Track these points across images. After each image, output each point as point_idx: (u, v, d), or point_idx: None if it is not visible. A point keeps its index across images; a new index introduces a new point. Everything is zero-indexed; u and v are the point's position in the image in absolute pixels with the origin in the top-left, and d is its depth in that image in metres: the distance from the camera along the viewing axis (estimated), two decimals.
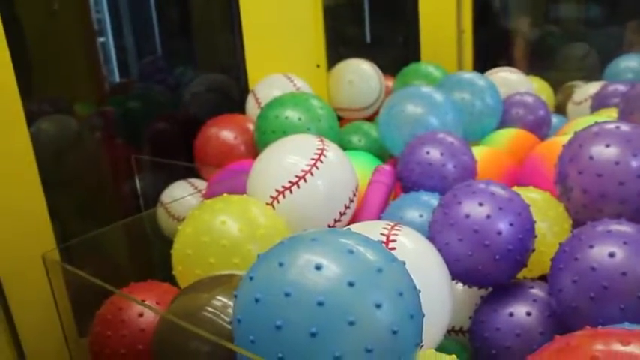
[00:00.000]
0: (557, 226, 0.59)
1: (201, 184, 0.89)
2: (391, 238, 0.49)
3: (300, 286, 0.34)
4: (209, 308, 0.46)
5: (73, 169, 0.94)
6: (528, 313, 0.51)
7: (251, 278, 0.36)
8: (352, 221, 0.69)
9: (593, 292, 0.45)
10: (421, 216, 0.64)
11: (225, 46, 1.08)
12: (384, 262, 0.36)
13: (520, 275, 0.57)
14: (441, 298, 0.49)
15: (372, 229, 0.50)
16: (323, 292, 0.34)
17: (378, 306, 0.34)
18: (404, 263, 0.38)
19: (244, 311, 0.36)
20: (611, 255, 0.45)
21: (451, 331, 0.61)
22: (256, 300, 0.35)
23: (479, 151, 0.78)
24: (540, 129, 0.97)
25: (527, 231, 0.53)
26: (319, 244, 0.36)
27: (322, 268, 0.34)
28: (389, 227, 0.50)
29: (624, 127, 0.58)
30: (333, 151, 0.66)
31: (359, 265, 0.35)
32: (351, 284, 0.34)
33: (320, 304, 0.33)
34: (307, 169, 0.63)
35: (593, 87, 1.08)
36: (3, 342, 0.70)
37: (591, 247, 0.46)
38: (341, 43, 1.50)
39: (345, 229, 0.43)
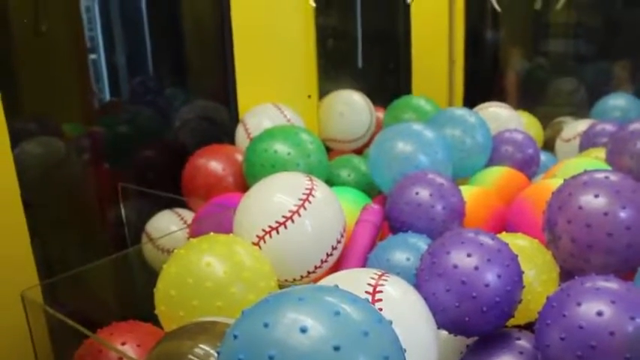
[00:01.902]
0: (545, 275, 0.59)
1: (188, 214, 0.88)
2: (378, 288, 0.48)
3: (285, 350, 0.33)
4: (191, 357, 0.46)
5: (58, 194, 0.92)
6: None
7: (235, 337, 0.36)
8: (339, 261, 0.69)
9: (580, 351, 0.44)
10: (408, 259, 0.64)
11: (216, 74, 1.07)
12: (370, 323, 0.35)
13: (506, 323, 0.57)
14: (426, 351, 0.48)
15: (359, 278, 0.50)
16: (308, 356, 0.33)
17: None
18: (390, 323, 0.37)
19: None
20: (599, 314, 0.44)
21: None
22: None
23: (467, 191, 0.78)
24: (529, 167, 0.97)
25: (515, 282, 0.52)
26: (305, 304, 0.35)
27: (308, 331, 0.34)
28: (376, 277, 0.50)
29: (613, 177, 0.59)
30: (321, 190, 0.66)
31: (345, 328, 0.34)
32: (336, 348, 0.33)
33: None
34: (295, 209, 0.63)
35: (581, 125, 1.09)
36: None
37: (579, 304, 0.45)
38: (332, 67, 1.51)
39: (330, 281, 0.42)
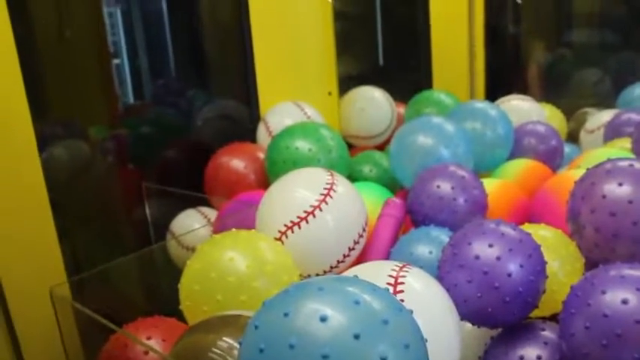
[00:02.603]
0: (569, 265, 0.58)
1: (211, 213, 0.89)
2: (399, 280, 0.48)
3: (305, 338, 0.33)
4: (215, 349, 0.46)
5: (84, 195, 0.94)
6: (539, 357, 0.50)
7: (256, 327, 0.36)
8: (361, 255, 0.69)
9: (605, 340, 0.44)
10: (430, 252, 0.64)
11: (237, 74, 1.08)
12: (390, 313, 0.35)
13: (531, 314, 0.56)
14: (449, 342, 0.48)
15: (381, 270, 0.50)
16: (328, 345, 0.33)
17: (384, 359, 0.33)
18: (411, 312, 0.37)
19: None
20: (625, 302, 0.44)
21: None
22: (260, 350, 0.34)
23: (490, 184, 0.78)
24: (553, 159, 0.96)
25: (538, 272, 0.52)
26: (325, 294, 0.36)
27: (327, 320, 0.34)
28: (397, 268, 0.50)
29: (638, 165, 0.58)
30: (342, 185, 0.66)
31: (365, 316, 0.34)
32: (356, 337, 0.33)
33: (325, 356, 0.33)
34: (316, 204, 0.63)
35: (606, 115, 1.07)
36: None
37: (604, 292, 0.45)
38: (354, 65, 1.51)
39: (352, 274, 0.43)
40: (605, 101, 1.27)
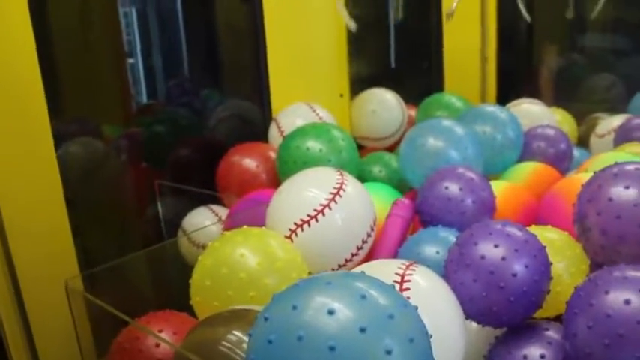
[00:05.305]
0: (574, 267, 0.59)
1: (222, 211, 0.90)
2: (406, 277, 0.49)
3: (313, 330, 0.35)
4: (225, 343, 0.47)
5: (98, 192, 0.96)
6: (542, 356, 0.51)
7: (265, 319, 0.37)
8: (369, 254, 0.70)
9: (607, 340, 0.44)
10: (438, 252, 0.65)
11: (250, 75, 1.10)
12: (395, 307, 0.36)
13: (535, 315, 0.57)
14: (453, 339, 0.49)
15: (387, 267, 0.51)
16: (334, 337, 0.34)
17: (389, 352, 0.34)
18: (416, 308, 0.38)
19: (258, 352, 0.37)
20: (627, 302, 0.44)
21: None
22: (269, 341, 0.36)
23: (498, 186, 0.78)
24: (561, 163, 0.96)
25: (542, 273, 0.53)
26: (333, 288, 0.37)
27: (335, 313, 0.35)
28: (404, 266, 0.51)
29: None
30: (352, 185, 0.67)
31: (371, 310, 0.36)
32: (362, 330, 0.34)
33: (331, 348, 0.34)
34: (326, 203, 0.64)
35: (616, 120, 1.08)
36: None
37: (607, 292, 0.46)
38: (365, 66, 1.51)
39: (359, 270, 0.44)
40: (617, 106, 1.27)
